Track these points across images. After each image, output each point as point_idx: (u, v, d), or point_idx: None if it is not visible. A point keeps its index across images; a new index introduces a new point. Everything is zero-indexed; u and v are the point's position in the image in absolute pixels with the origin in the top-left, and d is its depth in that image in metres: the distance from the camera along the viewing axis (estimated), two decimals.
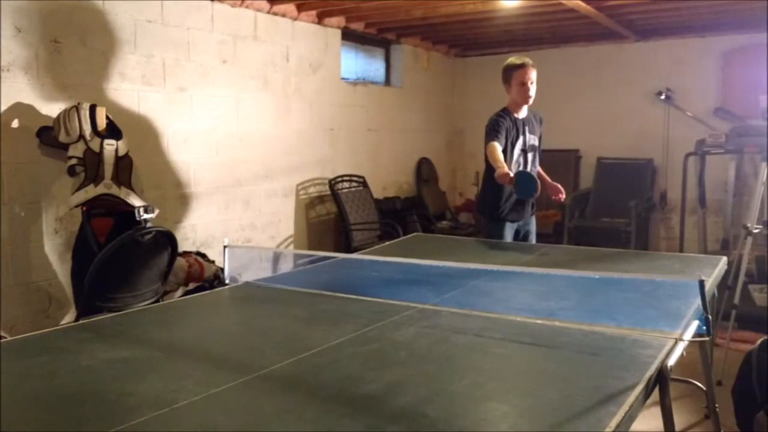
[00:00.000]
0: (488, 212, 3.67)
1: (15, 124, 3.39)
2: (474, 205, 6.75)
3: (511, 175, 3.16)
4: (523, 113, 3.59)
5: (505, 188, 3.44)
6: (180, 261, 3.71)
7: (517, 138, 3.55)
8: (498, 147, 3.37)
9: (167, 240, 3.26)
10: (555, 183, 3.66)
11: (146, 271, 3.22)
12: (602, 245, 3.61)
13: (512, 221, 3.61)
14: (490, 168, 3.44)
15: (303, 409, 1.35)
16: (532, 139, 3.62)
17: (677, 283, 2.21)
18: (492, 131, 3.47)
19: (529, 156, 3.62)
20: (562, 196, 3.63)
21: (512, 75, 3.51)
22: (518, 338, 1.80)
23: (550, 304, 2.11)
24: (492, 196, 3.57)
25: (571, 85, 6.50)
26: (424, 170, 6.73)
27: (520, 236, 3.68)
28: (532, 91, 3.51)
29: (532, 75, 3.50)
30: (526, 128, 3.59)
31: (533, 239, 3.77)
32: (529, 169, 3.58)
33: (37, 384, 1.49)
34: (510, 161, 3.50)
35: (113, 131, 3.44)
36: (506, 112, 3.56)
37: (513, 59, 3.56)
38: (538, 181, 3.24)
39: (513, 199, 3.54)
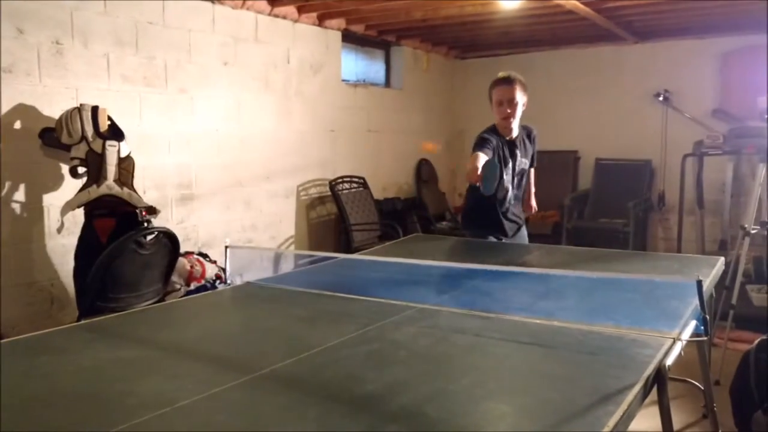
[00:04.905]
0: (470, 224, 3.48)
1: (17, 125, 3.41)
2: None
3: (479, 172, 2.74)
4: (513, 134, 3.20)
5: (491, 206, 3.23)
6: (182, 261, 3.72)
7: (506, 163, 3.18)
8: (483, 157, 2.89)
9: (169, 240, 3.28)
10: (531, 202, 3.57)
11: (148, 272, 3.24)
12: (601, 246, 3.62)
13: (494, 236, 3.34)
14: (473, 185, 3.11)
15: (304, 408, 1.36)
16: (523, 164, 3.29)
17: (675, 284, 2.21)
18: (478, 145, 3.06)
19: (517, 180, 3.31)
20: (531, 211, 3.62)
21: (490, 93, 3.16)
22: (517, 338, 1.81)
23: (549, 304, 2.12)
24: (472, 211, 3.41)
25: (570, 87, 6.52)
26: (424, 171, 6.74)
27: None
28: (514, 111, 3.09)
29: (515, 95, 3.08)
30: (517, 151, 3.23)
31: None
32: (512, 193, 3.29)
33: (39, 384, 1.49)
34: (500, 186, 3.16)
35: (115, 132, 3.45)
36: (494, 132, 3.17)
37: (501, 72, 3.18)
38: (498, 166, 2.90)
39: (493, 215, 3.27)
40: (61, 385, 1.49)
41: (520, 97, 3.12)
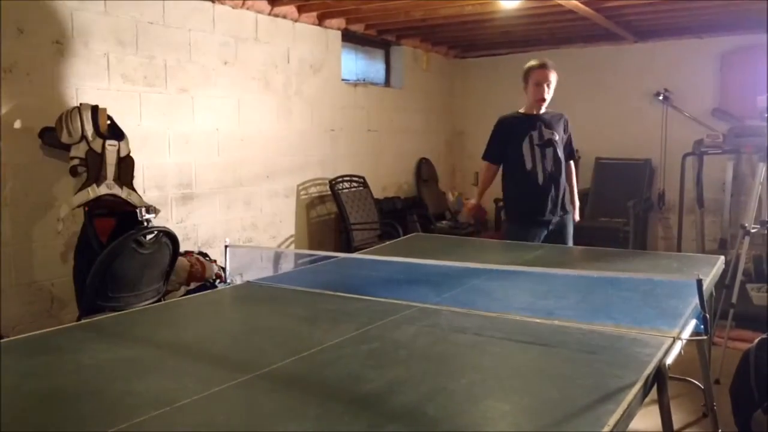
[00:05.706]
0: (510, 213, 3.79)
1: (17, 124, 3.41)
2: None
3: (473, 203, 3.77)
4: (539, 110, 3.64)
5: (525, 185, 3.56)
6: (182, 261, 3.72)
7: (527, 132, 3.57)
8: (488, 168, 3.72)
9: (169, 240, 3.28)
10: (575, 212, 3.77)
11: (148, 271, 3.24)
12: (601, 245, 3.61)
13: (537, 222, 3.56)
14: (506, 168, 3.68)
15: (304, 407, 1.36)
16: (549, 134, 3.60)
17: (675, 283, 2.22)
18: (488, 144, 3.71)
19: (548, 151, 3.58)
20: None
21: (530, 74, 3.61)
22: (517, 337, 1.81)
23: (549, 304, 2.12)
24: (511, 196, 3.70)
25: (570, 86, 6.43)
26: (424, 170, 6.75)
27: (552, 238, 3.57)
28: (547, 93, 3.59)
29: (550, 77, 3.59)
30: (542, 124, 3.60)
31: (569, 241, 3.65)
32: (551, 163, 3.57)
33: (39, 383, 1.50)
34: (522, 156, 3.56)
35: (115, 132, 3.45)
36: (516, 113, 3.67)
37: (534, 60, 3.65)
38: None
39: (536, 197, 3.55)
40: (61, 385, 1.50)
41: (554, 78, 3.64)
